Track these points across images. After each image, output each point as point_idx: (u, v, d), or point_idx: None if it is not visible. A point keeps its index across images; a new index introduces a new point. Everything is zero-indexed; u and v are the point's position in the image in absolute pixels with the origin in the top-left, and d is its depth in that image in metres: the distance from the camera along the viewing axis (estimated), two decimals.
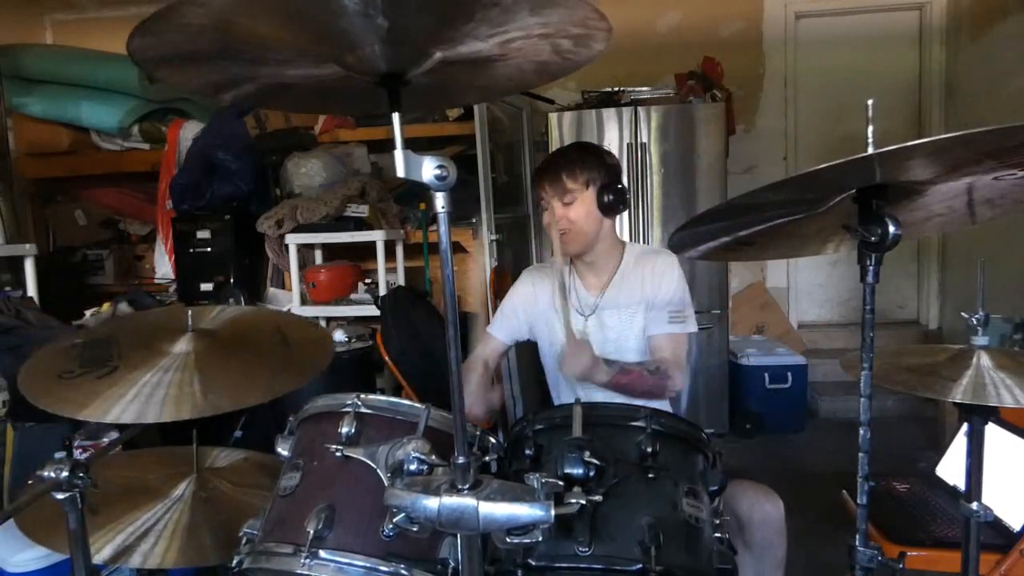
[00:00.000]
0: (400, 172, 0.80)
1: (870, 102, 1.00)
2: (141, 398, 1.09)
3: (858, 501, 1.07)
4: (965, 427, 1.27)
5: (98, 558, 1.18)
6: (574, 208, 1.75)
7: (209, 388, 1.13)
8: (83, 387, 1.11)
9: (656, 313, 1.78)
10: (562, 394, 1.90)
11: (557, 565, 1.10)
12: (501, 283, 3.30)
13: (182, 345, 1.22)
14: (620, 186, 1.79)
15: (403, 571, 1.07)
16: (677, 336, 1.77)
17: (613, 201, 1.76)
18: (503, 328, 1.93)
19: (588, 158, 1.78)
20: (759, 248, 1.31)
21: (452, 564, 1.08)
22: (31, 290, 2.91)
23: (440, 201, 0.82)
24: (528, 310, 1.91)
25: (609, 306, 1.82)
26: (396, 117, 0.84)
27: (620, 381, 1.64)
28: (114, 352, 1.19)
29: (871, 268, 1.01)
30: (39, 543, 1.27)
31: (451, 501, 0.84)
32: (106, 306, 3.06)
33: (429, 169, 0.80)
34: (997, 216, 1.12)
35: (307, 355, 1.33)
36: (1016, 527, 1.68)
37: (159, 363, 1.16)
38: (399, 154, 0.80)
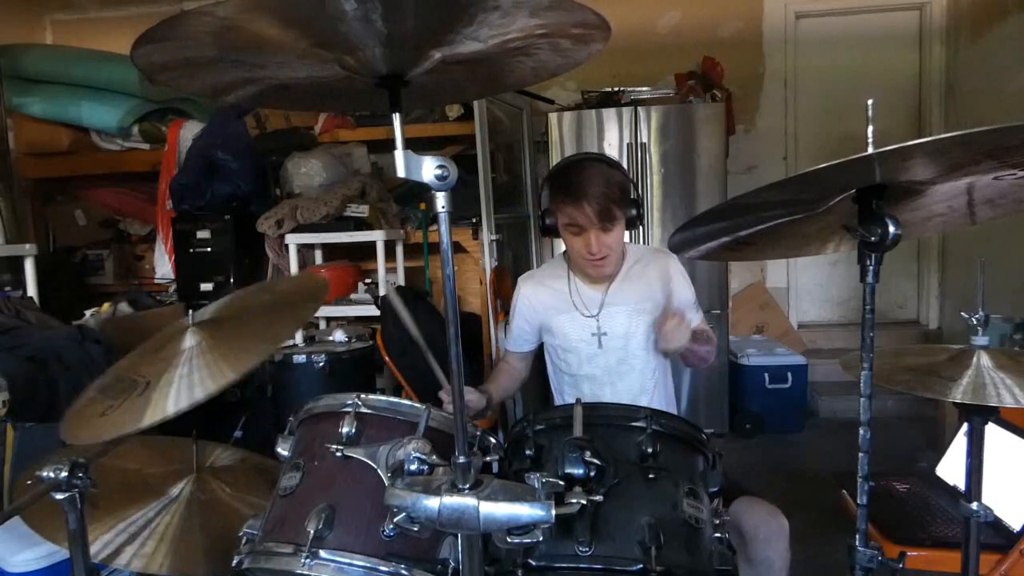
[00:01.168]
0: (400, 172, 0.80)
1: (870, 102, 1.00)
2: (182, 388, 1.09)
3: (858, 501, 1.07)
4: (965, 427, 1.27)
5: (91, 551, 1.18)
6: (613, 234, 1.72)
7: (225, 359, 1.14)
8: (130, 409, 1.12)
9: (685, 311, 1.83)
10: (565, 393, 1.91)
11: (557, 565, 1.10)
12: (501, 283, 3.30)
13: (188, 341, 1.22)
14: (640, 201, 1.82)
15: (403, 571, 1.07)
16: (702, 319, 1.90)
17: (637, 217, 1.79)
18: (514, 342, 1.98)
19: (623, 180, 1.73)
20: (759, 248, 1.31)
21: (452, 564, 1.08)
22: (31, 290, 2.91)
23: (441, 201, 0.82)
24: (532, 316, 1.92)
25: (615, 303, 1.83)
26: (396, 118, 0.85)
27: (693, 347, 1.74)
28: (135, 376, 1.20)
29: (871, 268, 1.00)
30: (42, 536, 1.27)
31: (452, 501, 0.84)
32: (106, 306, 3.05)
33: (429, 169, 0.81)
34: (997, 216, 1.12)
35: (299, 299, 1.33)
36: (1016, 527, 1.68)
37: (176, 361, 1.16)
38: (399, 154, 0.80)
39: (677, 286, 1.85)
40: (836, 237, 1.22)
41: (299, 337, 3.37)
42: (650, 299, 1.83)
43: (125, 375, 1.24)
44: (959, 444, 1.92)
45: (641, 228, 3.86)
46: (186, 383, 1.10)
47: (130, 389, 1.16)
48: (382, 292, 3.20)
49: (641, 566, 1.07)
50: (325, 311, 3.49)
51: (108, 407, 1.14)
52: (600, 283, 1.85)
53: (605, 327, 1.83)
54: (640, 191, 3.81)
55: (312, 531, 1.06)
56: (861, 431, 1.05)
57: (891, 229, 0.94)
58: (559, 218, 1.74)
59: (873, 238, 0.96)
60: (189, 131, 3.67)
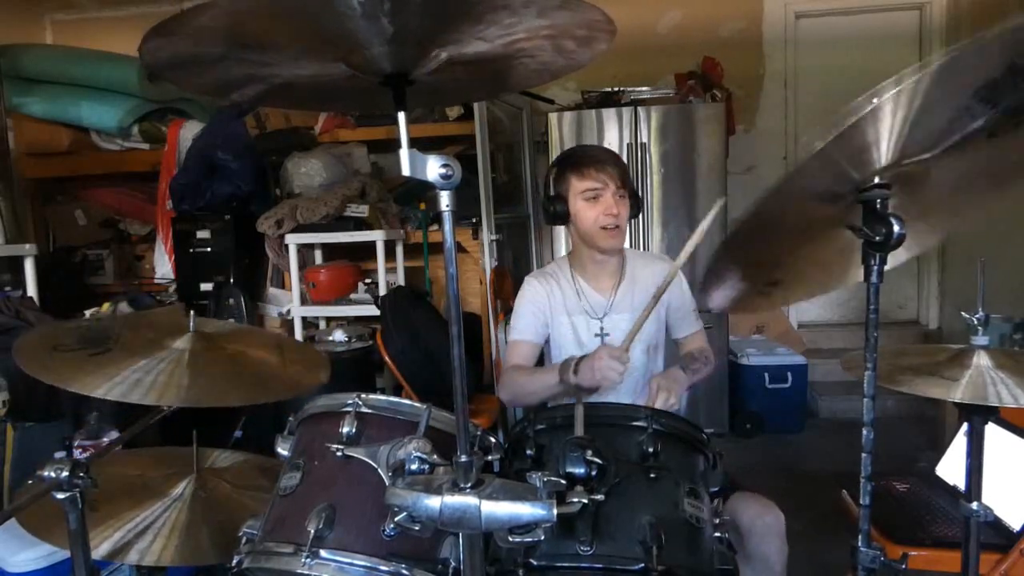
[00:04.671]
0: (405, 171, 0.80)
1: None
2: (129, 381, 1.09)
3: (861, 501, 1.07)
4: (965, 427, 1.27)
5: (96, 554, 1.18)
6: (623, 205, 1.76)
7: (196, 382, 1.14)
8: (75, 362, 1.12)
9: (683, 318, 1.91)
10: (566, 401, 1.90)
11: (559, 564, 1.10)
12: (501, 283, 3.31)
13: (180, 343, 1.22)
14: (638, 193, 1.85)
15: (404, 571, 1.07)
16: (702, 329, 1.95)
17: (637, 207, 1.83)
18: (529, 330, 1.87)
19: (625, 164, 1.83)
20: (786, 287, 1.29)
21: (453, 564, 1.08)
22: (31, 290, 2.91)
23: (445, 200, 0.82)
24: (543, 311, 1.88)
25: (620, 309, 1.84)
26: (401, 116, 0.84)
27: (694, 380, 1.82)
28: (112, 337, 1.20)
29: (875, 268, 1.00)
30: (40, 538, 1.27)
31: (453, 500, 0.84)
32: (106, 306, 3.06)
33: (434, 168, 0.81)
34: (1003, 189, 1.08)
35: (299, 370, 1.33)
36: (1016, 527, 1.68)
37: (155, 354, 1.17)
38: (405, 152, 0.80)
39: (675, 296, 1.87)
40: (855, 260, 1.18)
41: (299, 337, 3.38)
42: (654, 306, 1.83)
43: (108, 327, 1.24)
44: (959, 444, 1.92)
45: (641, 227, 3.86)
46: (135, 379, 1.09)
47: (94, 343, 1.17)
48: (382, 292, 3.20)
49: (642, 565, 1.07)
50: (325, 311, 3.49)
51: (64, 344, 1.16)
52: (606, 288, 1.86)
53: (608, 329, 1.83)
54: (640, 191, 3.81)
55: (312, 531, 1.06)
56: (864, 431, 1.05)
57: (895, 228, 0.94)
58: (574, 188, 1.75)
59: (878, 238, 0.96)
60: (189, 131, 3.67)
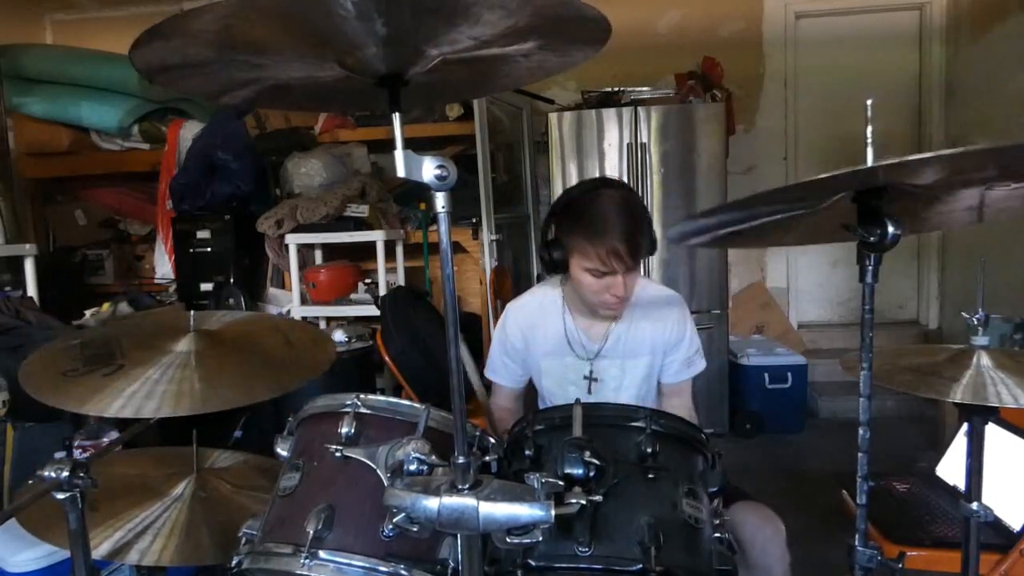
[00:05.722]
0: (400, 172, 0.80)
1: (869, 101, 1.00)
2: (142, 393, 1.10)
3: (857, 501, 1.07)
4: (965, 427, 1.27)
5: (96, 554, 1.18)
6: (631, 278, 1.59)
7: (210, 385, 1.15)
8: (87, 384, 1.12)
9: (673, 362, 1.75)
10: None
11: (557, 565, 1.10)
12: (501, 283, 3.31)
13: (184, 344, 1.22)
14: (653, 235, 1.65)
15: (403, 571, 1.07)
16: (688, 381, 1.78)
17: (652, 250, 1.64)
18: (502, 374, 1.84)
19: (643, 206, 1.64)
20: (758, 236, 1.29)
21: (452, 564, 1.08)
22: (31, 290, 2.91)
23: (440, 201, 0.82)
24: (520, 357, 1.80)
25: (612, 355, 1.73)
26: (396, 117, 0.84)
27: None
28: (117, 351, 1.20)
29: (870, 268, 1.00)
30: (40, 539, 1.27)
31: (451, 501, 0.84)
32: (106, 306, 3.06)
33: (429, 169, 0.80)
34: (1004, 218, 1.11)
35: (309, 355, 1.33)
36: (1016, 527, 1.68)
37: (161, 360, 1.17)
38: (399, 154, 0.80)
39: (681, 338, 1.73)
40: (838, 231, 1.21)
41: None
42: (648, 352, 1.73)
43: (111, 340, 1.24)
44: (959, 444, 1.92)
45: None
46: (147, 392, 1.10)
47: (103, 361, 1.17)
48: (382, 292, 3.20)
49: (641, 566, 1.07)
50: (325, 311, 3.49)
51: (73, 369, 1.16)
52: (599, 330, 1.73)
53: (597, 373, 1.73)
54: (640, 191, 3.81)
55: (311, 531, 1.06)
56: (861, 431, 1.05)
57: (890, 229, 0.94)
58: (577, 258, 1.57)
59: (872, 238, 0.96)
60: (189, 131, 3.67)
